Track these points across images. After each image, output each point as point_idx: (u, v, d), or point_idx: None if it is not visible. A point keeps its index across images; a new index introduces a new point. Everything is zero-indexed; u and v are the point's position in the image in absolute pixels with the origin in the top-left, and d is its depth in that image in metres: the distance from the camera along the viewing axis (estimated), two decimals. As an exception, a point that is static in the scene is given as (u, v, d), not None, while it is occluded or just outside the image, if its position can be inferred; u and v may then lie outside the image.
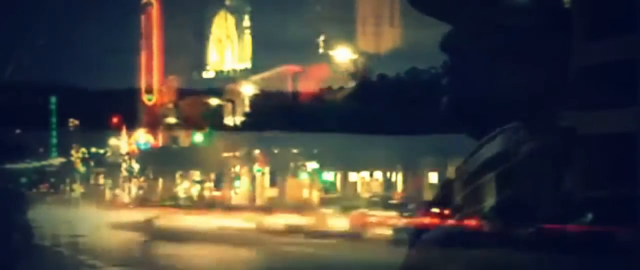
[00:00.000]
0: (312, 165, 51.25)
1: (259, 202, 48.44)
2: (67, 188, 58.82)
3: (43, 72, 63.86)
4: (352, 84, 55.41)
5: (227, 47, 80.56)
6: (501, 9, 1.04)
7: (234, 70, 79.05)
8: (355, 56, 65.45)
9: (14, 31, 63.44)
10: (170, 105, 70.39)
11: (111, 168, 58.06)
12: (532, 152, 0.93)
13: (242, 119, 57.13)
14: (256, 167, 52.00)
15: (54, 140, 62.42)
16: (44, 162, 61.27)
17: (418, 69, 44.54)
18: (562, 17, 1.01)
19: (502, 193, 0.93)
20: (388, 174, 47.54)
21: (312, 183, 48.76)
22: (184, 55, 78.91)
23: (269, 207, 37.00)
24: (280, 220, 33.05)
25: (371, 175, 49.77)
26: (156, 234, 31.68)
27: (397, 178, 46.28)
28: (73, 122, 64.48)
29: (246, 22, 79.49)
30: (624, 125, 0.78)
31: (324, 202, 40.19)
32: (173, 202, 45.99)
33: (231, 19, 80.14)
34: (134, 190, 55.58)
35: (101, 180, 59.67)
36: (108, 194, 56.84)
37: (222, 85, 75.51)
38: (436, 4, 1.09)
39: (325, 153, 49.38)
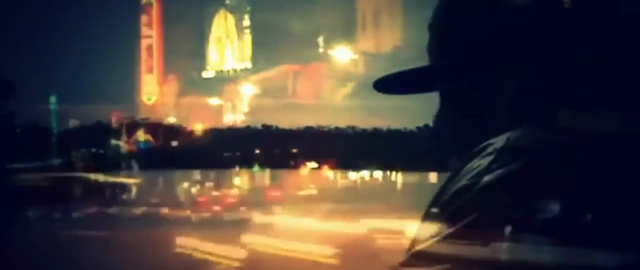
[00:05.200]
0: (312, 165, 51.28)
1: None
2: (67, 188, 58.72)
3: (43, 72, 63.88)
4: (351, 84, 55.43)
5: (227, 47, 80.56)
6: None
7: (234, 70, 79.09)
8: (355, 56, 65.46)
9: (13, 31, 63.45)
10: (170, 105, 70.38)
11: (111, 168, 58.01)
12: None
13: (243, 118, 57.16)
14: (256, 166, 52.01)
15: (54, 140, 62.40)
16: (44, 162, 61.20)
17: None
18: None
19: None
20: (387, 173, 47.51)
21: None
22: (184, 55, 78.95)
23: None
24: None
25: (371, 175, 49.76)
26: None
27: (397, 177, 46.23)
28: (73, 122, 64.52)
29: (246, 21, 79.49)
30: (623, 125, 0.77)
31: None
32: None
33: (231, 19, 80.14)
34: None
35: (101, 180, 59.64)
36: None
37: (222, 85, 75.62)
38: None
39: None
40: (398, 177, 43.28)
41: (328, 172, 48.91)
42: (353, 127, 59.15)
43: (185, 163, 50.63)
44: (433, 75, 1.11)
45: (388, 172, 47.97)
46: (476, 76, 1.02)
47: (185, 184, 38.35)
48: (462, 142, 1.03)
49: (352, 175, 46.53)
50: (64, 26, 71.41)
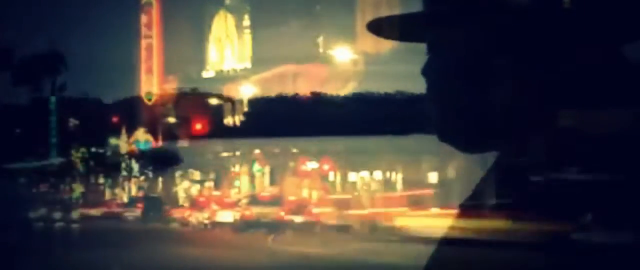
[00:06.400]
0: (312, 164, 51.28)
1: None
2: (67, 188, 58.87)
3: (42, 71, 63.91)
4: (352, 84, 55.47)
5: (227, 47, 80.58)
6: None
7: (234, 70, 79.09)
8: (355, 56, 65.47)
9: (13, 30, 63.49)
10: (170, 105, 70.41)
11: (111, 168, 58.14)
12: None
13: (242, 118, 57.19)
14: (256, 166, 52.03)
15: (54, 140, 62.43)
16: (44, 162, 61.28)
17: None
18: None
19: None
20: (388, 174, 47.54)
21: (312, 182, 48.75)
22: (184, 55, 78.96)
23: None
24: None
25: (371, 174, 49.79)
26: None
27: (397, 177, 46.27)
28: (73, 122, 64.47)
29: (246, 21, 79.51)
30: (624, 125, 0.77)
31: None
32: None
33: (231, 19, 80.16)
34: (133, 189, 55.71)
35: (101, 180, 59.77)
36: (108, 193, 56.98)
37: (222, 85, 75.59)
38: None
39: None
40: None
41: (330, 171, 48.91)
42: None
43: None
44: (425, 22, 1.10)
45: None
46: (467, 26, 1.03)
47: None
48: (448, 98, 1.04)
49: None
50: (64, 26, 71.42)
